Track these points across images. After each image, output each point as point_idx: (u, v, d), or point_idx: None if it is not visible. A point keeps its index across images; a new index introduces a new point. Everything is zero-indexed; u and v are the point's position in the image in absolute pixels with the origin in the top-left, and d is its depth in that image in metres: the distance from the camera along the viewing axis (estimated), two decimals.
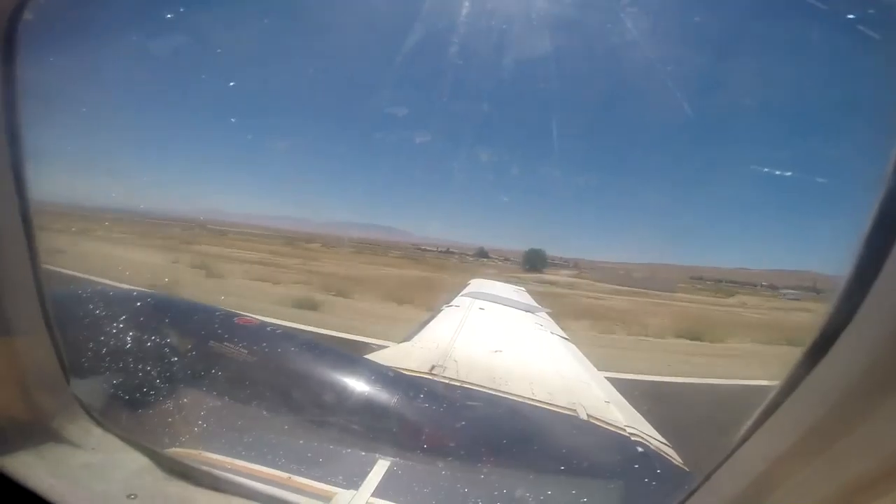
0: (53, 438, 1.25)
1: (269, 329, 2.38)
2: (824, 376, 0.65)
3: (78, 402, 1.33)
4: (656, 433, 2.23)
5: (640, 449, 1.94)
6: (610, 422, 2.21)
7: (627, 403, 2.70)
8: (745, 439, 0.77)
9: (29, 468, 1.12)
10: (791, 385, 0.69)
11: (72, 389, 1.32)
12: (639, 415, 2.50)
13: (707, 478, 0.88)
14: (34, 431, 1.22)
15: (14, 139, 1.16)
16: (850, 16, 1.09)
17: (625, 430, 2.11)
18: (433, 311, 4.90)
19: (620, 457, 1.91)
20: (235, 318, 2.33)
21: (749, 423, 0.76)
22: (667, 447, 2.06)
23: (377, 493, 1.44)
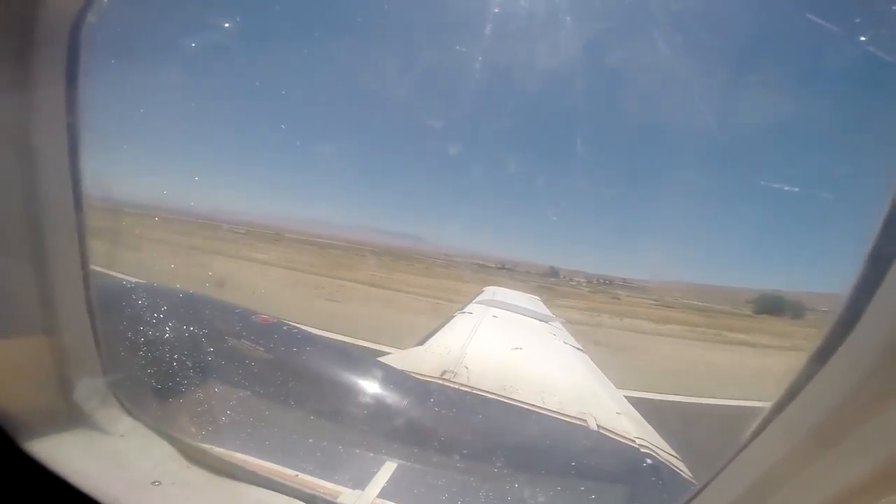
0: (85, 424, 1.31)
1: (285, 328, 2.46)
2: (826, 383, 0.66)
3: (111, 392, 1.41)
4: (667, 446, 2.20)
5: (648, 461, 1.92)
6: (620, 433, 2.19)
7: (640, 416, 2.67)
8: (748, 443, 0.77)
9: (58, 453, 1.17)
10: (794, 390, 0.71)
11: (106, 379, 1.41)
12: (651, 427, 2.46)
13: (711, 480, 0.89)
14: (67, 417, 1.28)
15: (74, 139, 1.21)
16: (862, 38, 1.09)
17: (634, 442, 2.09)
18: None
19: (628, 467, 1.90)
20: (254, 317, 2.43)
21: (752, 427, 0.77)
22: (676, 460, 2.03)
23: (383, 494, 1.45)
